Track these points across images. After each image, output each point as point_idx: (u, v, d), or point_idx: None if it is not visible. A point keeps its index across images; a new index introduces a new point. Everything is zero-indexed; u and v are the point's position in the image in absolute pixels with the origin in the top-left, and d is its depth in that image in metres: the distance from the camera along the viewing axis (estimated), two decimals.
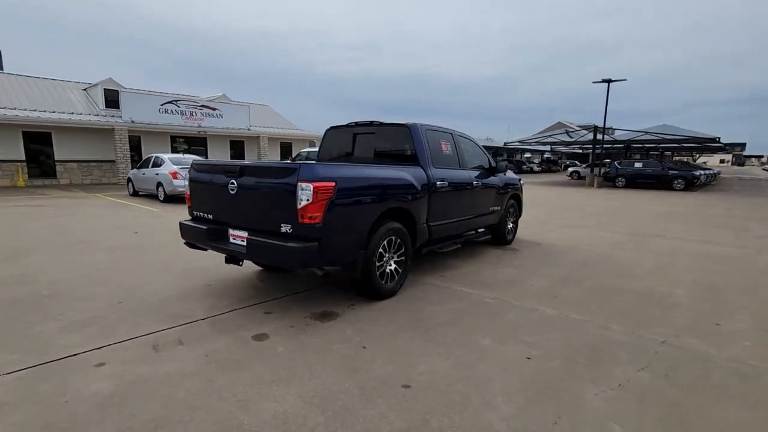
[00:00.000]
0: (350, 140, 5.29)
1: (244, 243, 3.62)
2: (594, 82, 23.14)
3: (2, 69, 28.56)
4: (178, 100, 19.51)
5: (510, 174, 6.97)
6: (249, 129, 22.75)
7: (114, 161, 18.61)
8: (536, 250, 6.47)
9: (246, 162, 3.79)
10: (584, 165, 33.16)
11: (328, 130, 5.56)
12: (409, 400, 2.40)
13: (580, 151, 44.89)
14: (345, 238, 3.58)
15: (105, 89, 18.92)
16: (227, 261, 3.98)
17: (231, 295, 4.17)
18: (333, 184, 3.38)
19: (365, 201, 3.73)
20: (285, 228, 3.40)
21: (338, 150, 5.40)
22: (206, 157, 22.07)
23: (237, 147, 24.04)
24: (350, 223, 3.60)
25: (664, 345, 3.20)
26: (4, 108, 15.77)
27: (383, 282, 4.05)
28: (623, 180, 23.34)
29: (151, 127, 18.84)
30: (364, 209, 3.72)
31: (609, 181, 23.99)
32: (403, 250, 4.26)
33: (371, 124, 5.11)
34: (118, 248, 6.20)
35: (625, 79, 22.12)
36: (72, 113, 17.72)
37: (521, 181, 7.29)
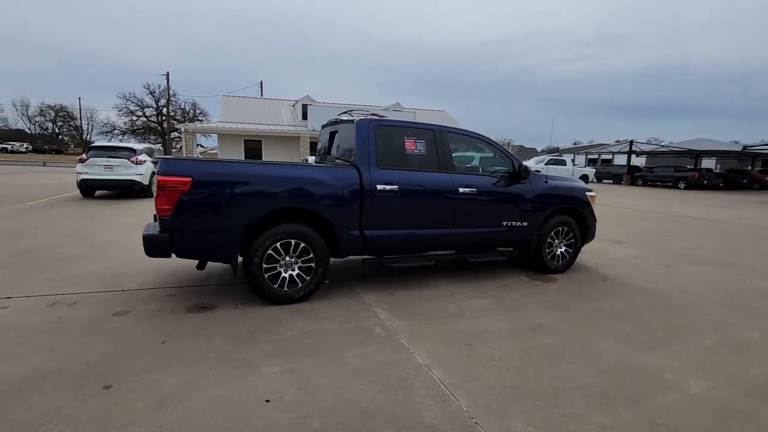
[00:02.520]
0: (329, 138, 5.14)
1: None
2: None
3: (262, 95, 38.17)
4: (352, 110, 21.97)
5: (562, 183, 5.35)
6: None
7: None
8: (576, 287, 4.78)
9: (161, 156, 4.21)
10: None
11: (321, 128, 5.52)
12: (83, 400, 2.32)
13: None
14: (206, 234, 3.59)
15: (303, 104, 23.16)
16: None
17: (182, 275, 4.67)
18: (188, 179, 3.44)
19: (238, 198, 3.62)
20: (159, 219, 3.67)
21: (323, 148, 5.31)
22: None
23: None
24: (214, 219, 3.57)
25: None
26: (232, 122, 21.34)
27: (276, 286, 3.84)
28: None
29: None
30: (236, 207, 3.62)
31: None
32: (311, 256, 3.93)
33: (337, 122, 4.83)
34: None
35: None
36: (276, 125, 22.45)
37: (590, 194, 5.47)
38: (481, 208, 4.70)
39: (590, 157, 48.31)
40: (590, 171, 25.63)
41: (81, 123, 64.36)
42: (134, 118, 54.16)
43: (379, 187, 4.13)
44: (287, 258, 3.87)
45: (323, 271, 3.99)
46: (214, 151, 30.83)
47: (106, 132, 58.91)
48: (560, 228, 5.21)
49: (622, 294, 4.57)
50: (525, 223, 4.96)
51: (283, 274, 3.87)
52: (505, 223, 4.85)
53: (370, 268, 4.86)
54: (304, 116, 22.91)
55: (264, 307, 3.82)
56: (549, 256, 5.20)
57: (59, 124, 67.93)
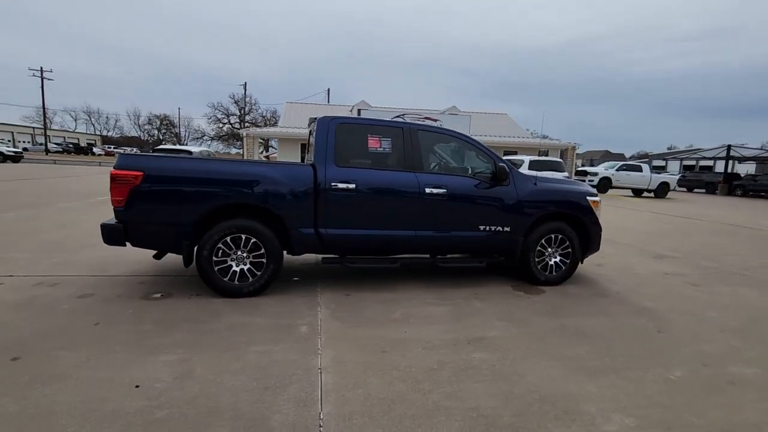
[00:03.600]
0: (309, 137, 5.16)
1: None
2: None
3: (329, 102, 39.62)
4: (405, 114, 21.76)
5: (555, 186, 4.84)
6: None
7: None
8: (560, 301, 4.28)
9: (121, 153, 4.50)
10: None
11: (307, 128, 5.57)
12: None
13: None
14: (156, 226, 3.77)
15: (358, 109, 23.68)
16: None
17: (168, 264, 4.96)
18: (139, 173, 3.65)
19: (187, 193, 3.76)
20: None
21: (306, 147, 5.35)
22: None
23: None
24: (163, 212, 3.75)
25: None
26: (290, 127, 22.44)
27: (227, 279, 3.92)
28: None
29: None
30: (185, 201, 3.76)
31: None
32: (262, 251, 3.96)
33: (313, 121, 4.83)
34: None
35: None
36: None
37: (592, 199, 4.86)
38: (454, 209, 4.40)
39: (686, 163, 43.26)
40: (671, 178, 22.66)
41: (180, 130, 72.22)
42: (221, 125, 59.39)
43: (334, 185, 4.06)
44: (238, 252, 3.94)
45: (275, 266, 4.00)
46: (275, 154, 32.69)
47: (197, 138, 65.39)
48: (553, 235, 4.70)
49: (611, 312, 4.00)
50: (507, 228, 4.55)
51: (234, 268, 3.95)
52: (482, 227, 4.49)
53: (329, 267, 4.80)
54: None
55: (215, 298, 3.92)
56: (539, 266, 4.71)
57: (163, 131, 76.87)
